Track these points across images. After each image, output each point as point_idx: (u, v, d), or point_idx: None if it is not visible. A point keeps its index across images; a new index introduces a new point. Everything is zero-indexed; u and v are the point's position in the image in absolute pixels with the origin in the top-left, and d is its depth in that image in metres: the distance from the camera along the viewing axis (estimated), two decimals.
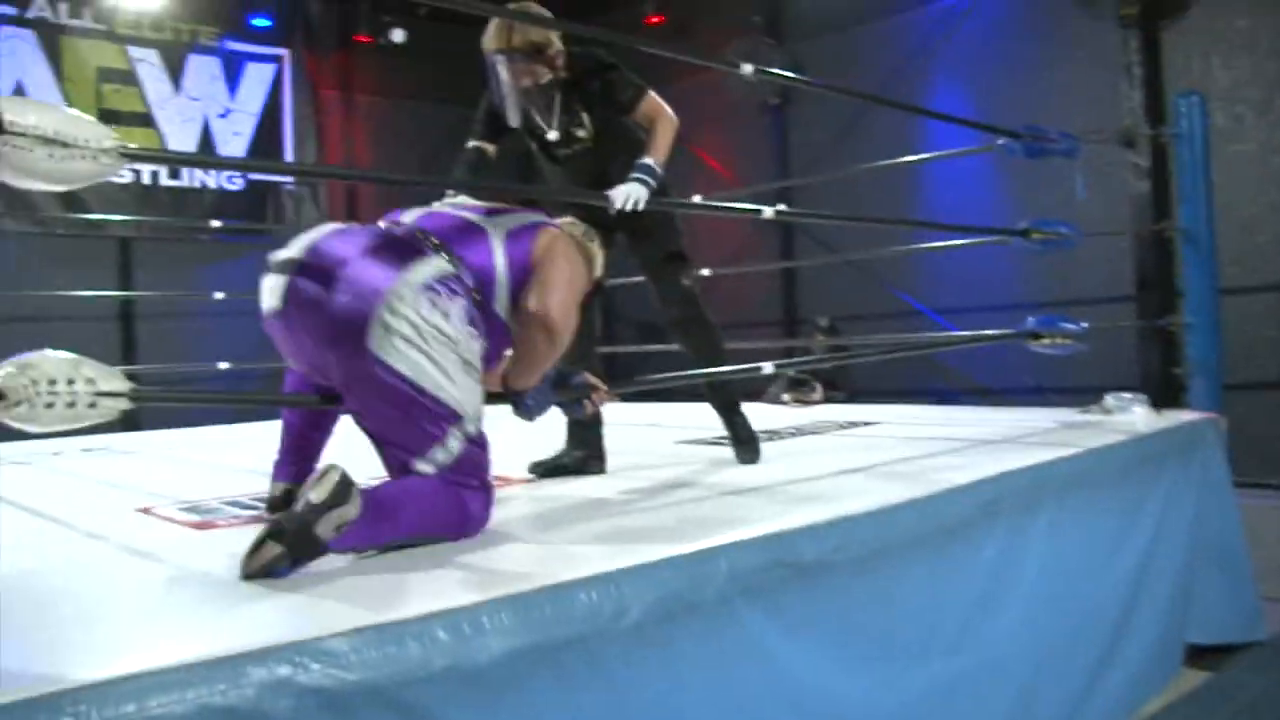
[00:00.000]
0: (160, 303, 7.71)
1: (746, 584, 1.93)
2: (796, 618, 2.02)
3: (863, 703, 2.15)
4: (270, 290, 2.14)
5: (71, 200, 7.34)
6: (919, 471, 2.82)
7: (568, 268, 2.36)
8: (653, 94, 2.97)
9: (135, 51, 7.86)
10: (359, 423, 2.11)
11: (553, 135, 3.01)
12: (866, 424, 4.31)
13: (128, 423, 6.82)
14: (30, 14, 7.37)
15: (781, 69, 7.51)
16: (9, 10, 7.28)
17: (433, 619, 1.54)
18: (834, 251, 7.03)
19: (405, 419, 1.99)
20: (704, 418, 3.58)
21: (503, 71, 2.88)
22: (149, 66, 7.94)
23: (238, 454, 4.22)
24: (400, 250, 2.12)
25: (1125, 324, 5.52)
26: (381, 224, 2.39)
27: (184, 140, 8.12)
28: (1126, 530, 3.21)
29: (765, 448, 3.38)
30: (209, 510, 2.67)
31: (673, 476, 2.99)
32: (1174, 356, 4.34)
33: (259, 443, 4.73)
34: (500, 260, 2.28)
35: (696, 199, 4.87)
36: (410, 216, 2.40)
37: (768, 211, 3.03)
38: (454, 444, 2.02)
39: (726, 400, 3.27)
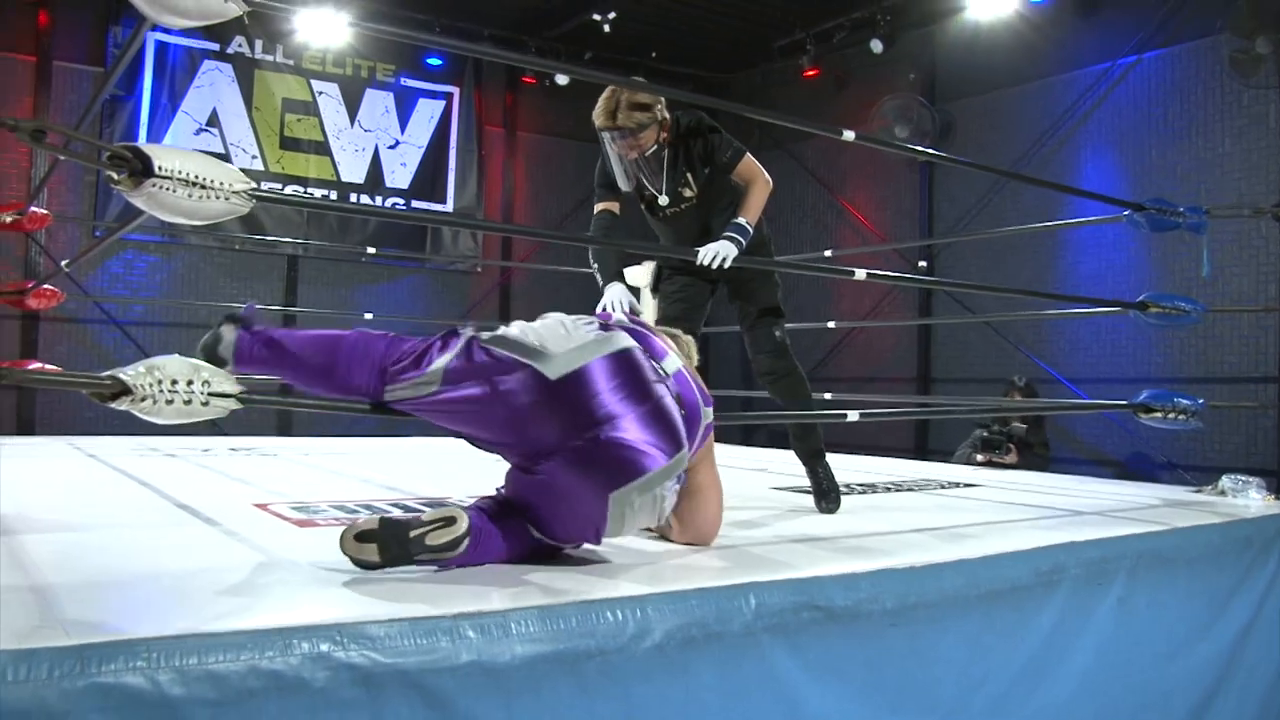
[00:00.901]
0: (316, 318, 8.29)
1: (773, 622, 2.05)
2: (823, 660, 2.12)
3: None
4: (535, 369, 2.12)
5: (248, 218, 8.03)
6: (984, 534, 2.87)
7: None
8: (749, 156, 3.18)
9: (318, 84, 8.55)
10: (513, 461, 2.20)
11: (664, 200, 3.23)
12: (969, 485, 4.31)
13: (281, 428, 7.40)
14: (230, 49, 8.12)
15: (932, 128, 7.62)
16: (212, 46, 8.04)
17: (464, 618, 1.73)
18: (971, 312, 6.99)
19: (571, 523, 2.14)
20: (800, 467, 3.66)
21: (612, 144, 3.14)
22: (329, 99, 8.62)
23: (363, 463, 4.56)
24: (673, 431, 2.16)
25: (1246, 405, 5.30)
26: (639, 350, 2.27)
27: (355, 168, 8.75)
28: (1215, 615, 3.13)
29: (853, 500, 3.47)
30: (315, 510, 2.96)
31: (746, 519, 3.12)
32: None
33: (387, 455, 5.15)
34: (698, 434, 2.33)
35: (827, 253, 4.99)
36: (650, 347, 2.33)
37: (859, 274, 3.14)
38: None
39: (811, 449, 3.38)
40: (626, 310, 3.05)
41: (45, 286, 5.34)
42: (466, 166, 9.26)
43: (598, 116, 3.13)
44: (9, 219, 5.06)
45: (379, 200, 8.83)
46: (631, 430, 2.09)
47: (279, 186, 8.35)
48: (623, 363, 2.17)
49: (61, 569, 2.07)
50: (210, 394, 2.04)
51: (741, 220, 3.04)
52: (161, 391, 1.98)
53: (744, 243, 2.99)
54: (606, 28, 8.28)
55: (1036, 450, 5.98)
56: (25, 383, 1.90)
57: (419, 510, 2.15)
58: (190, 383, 2.02)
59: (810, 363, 8.64)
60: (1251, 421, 5.26)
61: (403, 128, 9.00)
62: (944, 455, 7.02)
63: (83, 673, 1.43)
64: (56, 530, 2.59)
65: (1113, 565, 2.82)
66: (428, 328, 8.33)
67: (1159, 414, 3.89)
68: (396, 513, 2.85)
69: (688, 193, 3.26)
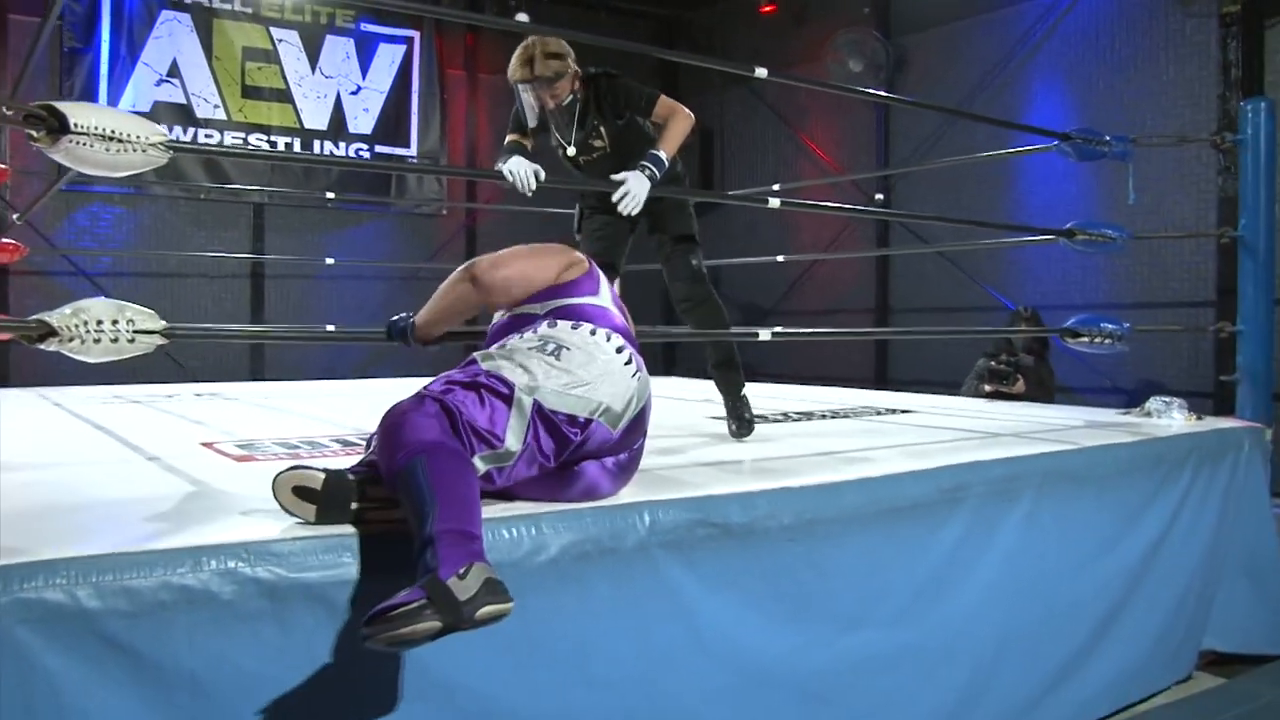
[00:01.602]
0: (283, 264, 8.38)
1: (667, 538, 2.20)
2: (718, 574, 2.28)
3: (786, 659, 2.39)
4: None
5: (214, 168, 8.09)
6: (895, 456, 3.02)
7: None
8: (664, 95, 3.29)
9: (277, 32, 8.54)
10: None
11: (571, 150, 3.36)
12: (903, 412, 4.47)
13: (254, 373, 7.52)
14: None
15: (886, 61, 7.67)
16: None
17: (361, 538, 1.87)
18: (925, 244, 7.11)
19: (560, 491, 2.16)
20: (752, 397, 3.76)
21: (527, 97, 3.28)
22: (289, 46, 8.61)
23: (321, 405, 4.70)
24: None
25: (1173, 328, 5.46)
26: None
27: (318, 114, 8.78)
28: (1124, 530, 3.28)
29: (783, 427, 3.62)
30: (257, 448, 3.10)
31: (665, 446, 3.26)
32: (1229, 364, 4.33)
33: (348, 396, 5.28)
34: None
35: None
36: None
37: (773, 202, 3.26)
38: None
39: (728, 379, 3.50)
40: (530, 177, 3.00)
41: (7, 240, 5.43)
42: (429, 110, 9.28)
43: (513, 71, 3.26)
44: None
45: (342, 146, 8.87)
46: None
47: (242, 135, 8.38)
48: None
49: None
50: (135, 331, 2.17)
51: (659, 152, 3.13)
52: (89, 331, 2.11)
53: (658, 173, 3.07)
54: None
55: (1044, 380, 6.06)
56: None
57: (359, 446, 2.20)
58: (115, 322, 2.14)
59: (773, 297, 8.79)
60: (1192, 345, 5.42)
61: (364, 73, 9.01)
62: (902, 385, 7.19)
63: (5, 589, 1.57)
64: (7, 469, 2.72)
65: (1019, 483, 2.96)
66: (394, 272, 8.48)
67: (1085, 339, 4.03)
68: (335, 453, 2.97)
69: (598, 143, 3.39)
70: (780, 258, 6.01)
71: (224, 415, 4.30)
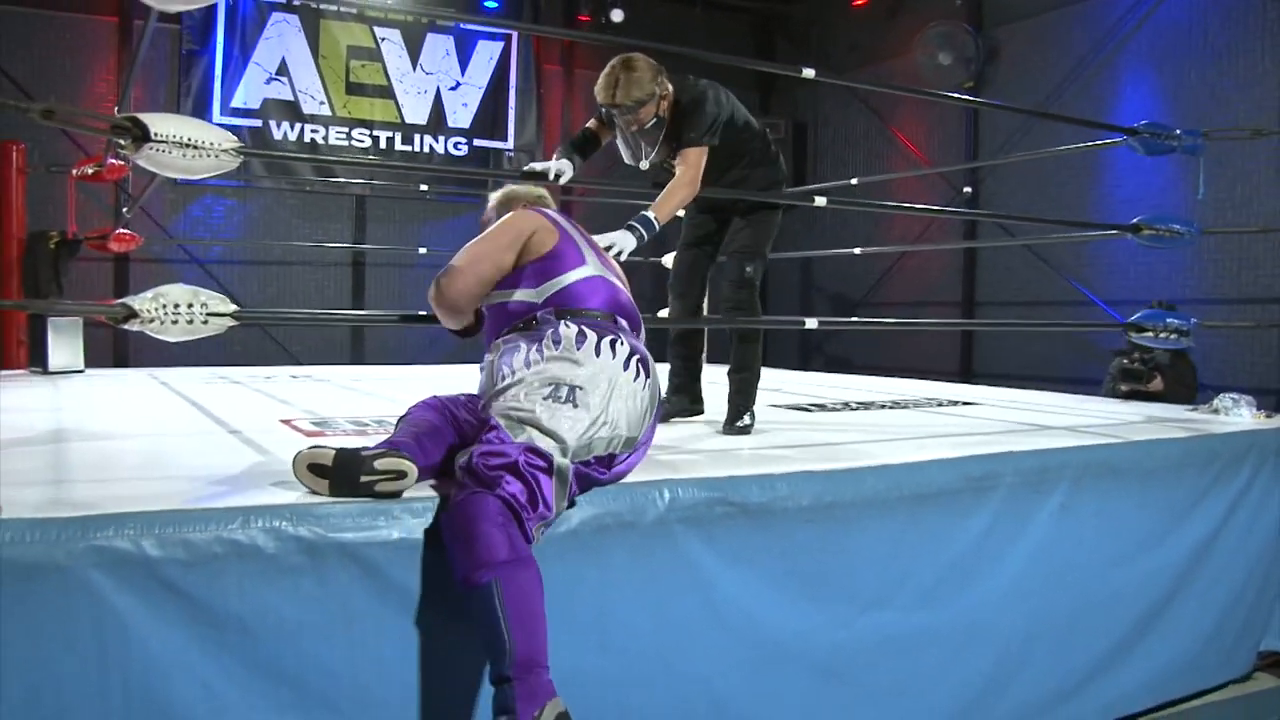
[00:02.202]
0: (383, 253, 8.75)
1: (686, 514, 2.35)
2: (735, 550, 2.42)
3: (803, 635, 2.52)
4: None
5: (318, 162, 8.52)
6: (929, 445, 3.10)
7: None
8: (697, 151, 3.28)
9: (380, 31, 8.92)
10: None
11: (644, 165, 3.46)
12: (965, 404, 4.50)
13: (354, 357, 7.90)
14: (296, 1, 8.53)
15: (976, 54, 7.62)
16: None
17: (398, 503, 2.08)
18: (1012, 237, 7.05)
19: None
20: (824, 386, 3.87)
21: (614, 119, 3.32)
22: (391, 44, 8.99)
23: (402, 386, 4.98)
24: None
25: (1241, 324, 5.32)
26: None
27: (419, 110, 9.14)
28: (1171, 525, 3.28)
29: (832, 416, 3.72)
30: (331, 425, 3.36)
31: (693, 431, 3.41)
32: None
33: (438, 379, 5.54)
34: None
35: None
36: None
37: (819, 200, 3.36)
38: None
39: (743, 386, 3.51)
40: (552, 171, 3.22)
41: (122, 231, 5.86)
42: (526, 105, 9.56)
43: (598, 91, 3.28)
44: (90, 170, 5.56)
45: (441, 140, 9.21)
46: None
47: (346, 130, 8.79)
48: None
49: (86, 465, 2.50)
50: (209, 314, 2.42)
51: (650, 215, 3.12)
52: (167, 314, 2.36)
53: (646, 236, 3.06)
54: None
55: (1184, 377, 5.90)
56: (47, 311, 2.31)
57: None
58: (190, 305, 2.40)
59: (862, 289, 8.81)
60: None
61: (463, 69, 9.34)
62: (987, 379, 7.15)
63: (82, 537, 1.82)
64: (100, 439, 3.03)
65: (1053, 474, 3.00)
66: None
67: (1150, 333, 4.02)
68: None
69: (669, 165, 3.43)
70: (857, 250, 6.06)
71: (311, 395, 4.60)
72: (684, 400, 3.74)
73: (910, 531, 2.71)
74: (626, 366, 2.32)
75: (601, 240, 2.85)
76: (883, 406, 4.32)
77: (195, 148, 2.40)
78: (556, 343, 2.29)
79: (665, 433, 3.28)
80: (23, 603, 1.75)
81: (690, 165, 3.27)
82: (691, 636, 2.37)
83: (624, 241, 2.98)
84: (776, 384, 5.38)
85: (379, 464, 2.06)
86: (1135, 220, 4.11)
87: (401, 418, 2.41)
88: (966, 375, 7.72)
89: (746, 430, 3.39)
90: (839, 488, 2.60)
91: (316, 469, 2.08)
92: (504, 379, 2.27)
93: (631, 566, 2.29)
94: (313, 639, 1.96)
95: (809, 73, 3.25)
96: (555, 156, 3.31)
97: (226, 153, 2.46)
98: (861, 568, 2.63)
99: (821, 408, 4.22)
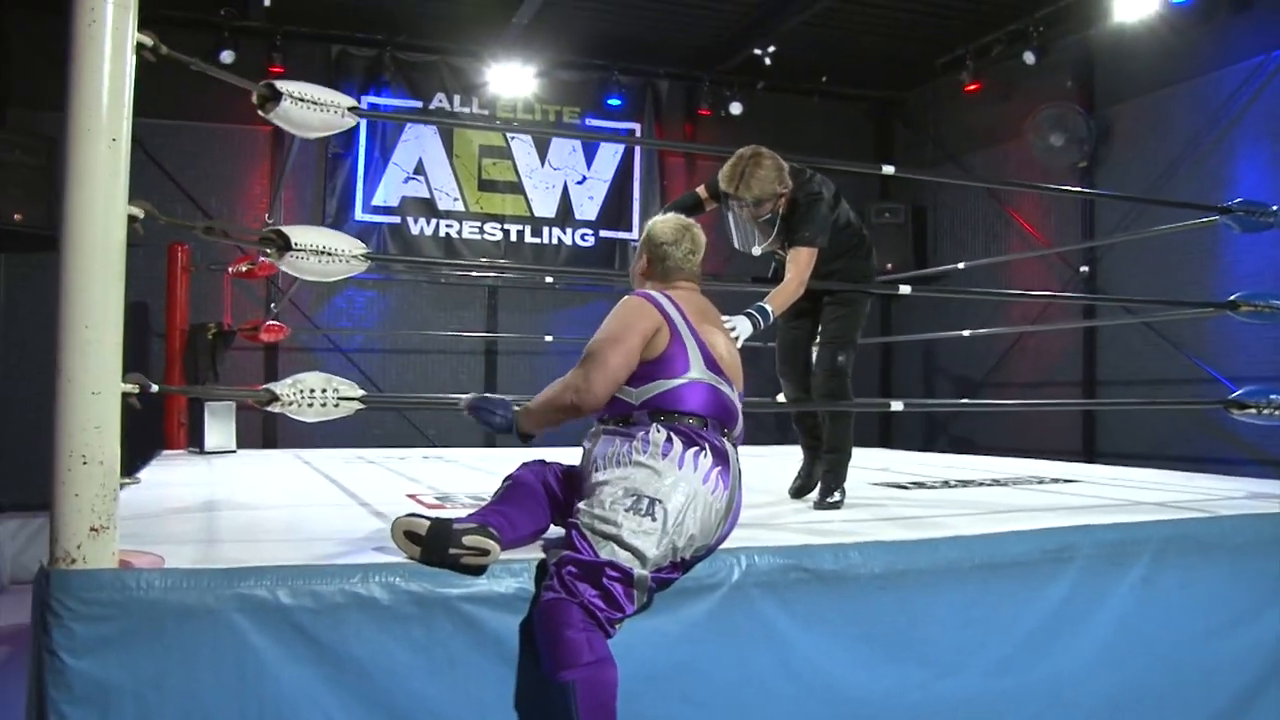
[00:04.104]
0: (514, 341, 9.23)
1: (762, 579, 2.56)
2: (811, 613, 2.60)
3: (879, 696, 2.66)
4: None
5: (453, 254, 9.11)
6: (1010, 518, 3.23)
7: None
8: (808, 251, 3.49)
9: (510, 131, 9.54)
10: None
11: (756, 251, 3.68)
12: (1067, 481, 4.56)
13: (486, 440, 8.31)
14: (432, 105, 9.23)
15: (1088, 134, 7.69)
16: (416, 103, 9.18)
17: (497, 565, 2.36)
18: (1134, 316, 7.02)
19: None
20: (932, 466, 4.04)
21: (731, 206, 3.54)
22: (520, 143, 9.58)
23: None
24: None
25: None
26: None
27: (547, 203, 9.68)
28: (1268, 601, 3.29)
29: (927, 494, 3.86)
30: (452, 499, 3.69)
31: (804, 504, 3.61)
32: None
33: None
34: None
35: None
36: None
37: (904, 289, 3.56)
38: None
39: (835, 466, 3.70)
40: None
41: (272, 322, 6.45)
42: (650, 196, 9.99)
43: (723, 180, 3.48)
44: (245, 269, 6.18)
45: (569, 231, 9.71)
46: None
47: (479, 224, 9.37)
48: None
49: (234, 528, 2.88)
50: (340, 398, 2.76)
51: (768, 306, 3.34)
52: (304, 398, 2.71)
53: (762, 324, 3.29)
54: (768, 61, 8.79)
55: None
56: (203, 396, 2.70)
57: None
58: (324, 390, 2.73)
59: (983, 369, 8.81)
60: None
61: (589, 164, 9.86)
62: (1113, 459, 7.07)
63: (228, 586, 2.16)
64: (248, 508, 3.43)
65: (1132, 548, 3.08)
66: None
67: (1253, 410, 4.02)
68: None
69: (779, 254, 3.70)
70: (965, 332, 6.15)
71: (438, 474, 4.98)
72: (803, 479, 3.92)
73: (984, 600, 2.84)
74: (706, 479, 2.45)
75: (726, 323, 2.97)
76: (981, 484, 4.42)
77: (329, 254, 2.77)
78: (645, 446, 2.46)
79: (761, 507, 3.50)
80: (180, 639, 2.09)
81: (801, 266, 3.47)
82: (769, 694, 2.55)
83: (743, 328, 3.19)
84: (884, 463, 5.52)
85: (467, 540, 2.30)
86: (1233, 297, 4.15)
87: (506, 482, 2.65)
88: (1090, 455, 7.62)
89: (837, 506, 3.57)
90: (911, 556, 2.76)
91: (412, 536, 2.33)
92: (595, 470, 2.50)
93: (710, 625, 2.51)
94: (420, 680, 2.25)
95: (888, 170, 3.48)
96: None
97: (356, 258, 2.82)
98: (937, 633, 2.77)
99: (920, 485, 4.35)
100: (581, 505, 2.41)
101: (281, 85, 2.68)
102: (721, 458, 2.53)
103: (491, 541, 2.31)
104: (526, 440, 2.71)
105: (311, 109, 2.75)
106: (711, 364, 2.64)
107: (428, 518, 2.37)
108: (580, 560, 2.27)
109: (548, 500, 2.64)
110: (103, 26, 2.14)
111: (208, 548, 2.56)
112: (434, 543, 2.30)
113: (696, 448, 2.48)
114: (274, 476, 4.84)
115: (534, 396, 2.71)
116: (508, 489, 2.63)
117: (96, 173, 2.12)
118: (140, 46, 2.24)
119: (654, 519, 2.35)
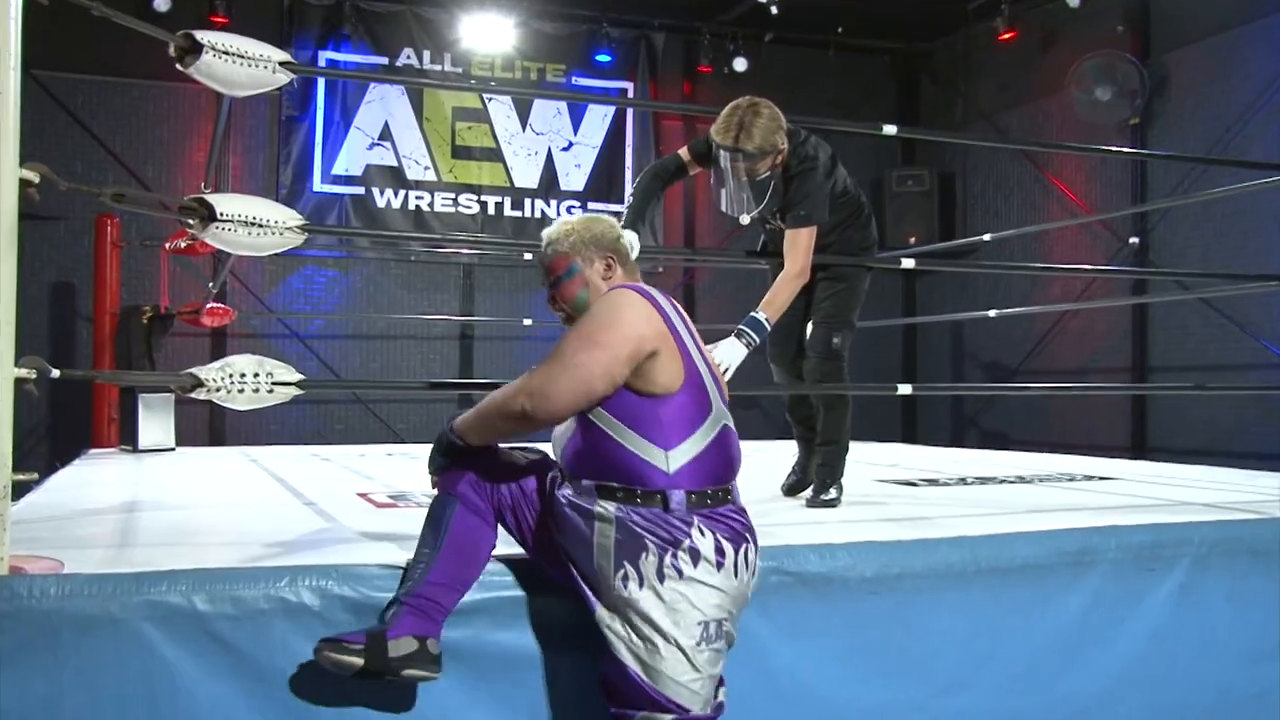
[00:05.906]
0: (491, 325, 9.26)
1: None
2: (793, 621, 2.63)
3: (875, 713, 2.68)
4: None
5: (426, 230, 9.12)
6: (1027, 519, 3.25)
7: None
8: (807, 231, 3.50)
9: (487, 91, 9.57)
10: None
11: (745, 219, 3.67)
12: (1102, 479, 4.58)
13: None
14: (399, 63, 9.25)
15: (1141, 86, 7.68)
16: (381, 60, 9.20)
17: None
18: (1188, 291, 7.01)
19: None
20: (951, 462, 4.07)
21: (724, 162, 3.49)
22: (499, 105, 9.60)
23: None
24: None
25: None
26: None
27: (529, 173, 9.70)
28: None
29: (939, 492, 3.88)
30: (406, 498, 3.73)
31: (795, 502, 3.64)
32: None
33: None
34: None
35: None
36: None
37: (907, 262, 3.58)
38: None
39: (829, 456, 3.71)
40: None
41: (215, 304, 6.49)
42: (644, 164, 9.92)
43: (717, 130, 3.41)
44: (184, 244, 6.20)
45: (554, 204, 9.72)
46: None
47: (452, 195, 9.40)
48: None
49: (152, 531, 2.92)
50: (274, 383, 2.79)
51: (759, 316, 3.34)
52: (233, 383, 2.74)
53: (755, 340, 3.29)
54: (774, 9, 8.73)
55: None
56: (112, 382, 2.73)
57: None
58: (256, 375, 2.77)
59: (1019, 355, 8.82)
60: None
61: (575, 128, 9.86)
62: (1165, 454, 7.08)
63: (136, 592, 2.19)
64: (174, 509, 3.47)
65: (1169, 552, 3.06)
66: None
67: None
68: None
69: (770, 225, 3.72)
70: (992, 313, 6.13)
71: (398, 471, 5.01)
72: (798, 475, 3.95)
73: (993, 608, 2.85)
74: (753, 574, 2.30)
75: (714, 356, 2.70)
76: (1003, 481, 4.44)
77: (260, 225, 2.79)
78: (695, 559, 2.17)
79: (750, 506, 3.51)
80: (79, 653, 2.12)
81: (801, 252, 3.47)
82: (745, 710, 2.56)
83: (733, 358, 3.18)
84: (896, 459, 5.54)
85: (406, 674, 2.17)
86: None
87: (444, 518, 2.30)
88: (1140, 451, 7.64)
89: (833, 504, 3.59)
90: (907, 559, 2.77)
91: (347, 650, 2.16)
92: (625, 584, 2.17)
93: None
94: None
95: (890, 129, 3.48)
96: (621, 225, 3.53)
97: (291, 230, 2.84)
98: (938, 645, 2.78)
99: (933, 483, 4.37)
100: (621, 632, 2.19)
101: (202, 36, 2.70)
102: (755, 544, 2.32)
103: (433, 668, 2.20)
104: (463, 456, 2.33)
105: (238, 63, 2.77)
106: (721, 393, 2.35)
107: (356, 660, 2.15)
108: (628, 693, 2.17)
109: (499, 523, 2.39)
110: None
111: (118, 552, 2.59)
112: (370, 673, 2.16)
113: (745, 544, 2.26)
114: (212, 476, 4.88)
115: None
116: (446, 544, 2.28)
117: None
118: None
119: (728, 644, 2.24)
